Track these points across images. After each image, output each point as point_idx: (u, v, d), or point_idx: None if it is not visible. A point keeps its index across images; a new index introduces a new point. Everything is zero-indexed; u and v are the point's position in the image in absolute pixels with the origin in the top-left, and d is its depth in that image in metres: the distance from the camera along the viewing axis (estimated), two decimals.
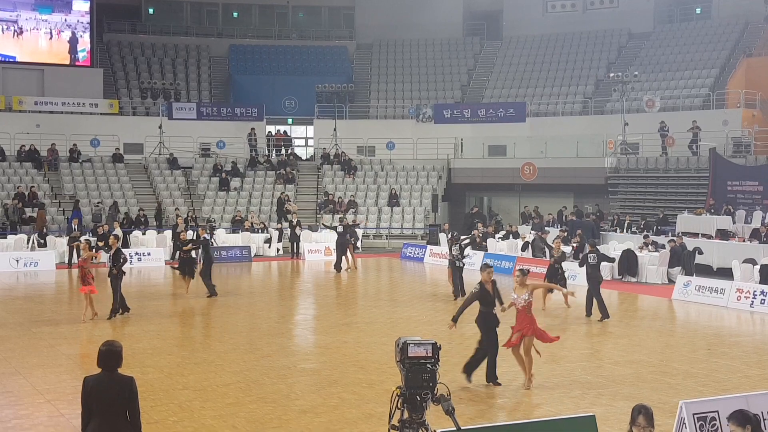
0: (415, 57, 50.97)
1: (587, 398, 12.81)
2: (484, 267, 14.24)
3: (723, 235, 29.07)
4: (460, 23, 51.89)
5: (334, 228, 30.98)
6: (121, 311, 19.75)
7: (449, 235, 25.34)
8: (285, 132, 47.10)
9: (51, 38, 46.49)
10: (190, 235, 27.69)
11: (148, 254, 31.57)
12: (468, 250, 24.69)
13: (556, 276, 21.72)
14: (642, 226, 32.70)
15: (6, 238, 32.15)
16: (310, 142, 48.39)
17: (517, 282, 13.79)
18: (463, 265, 24.08)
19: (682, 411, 9.66)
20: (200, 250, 24.20)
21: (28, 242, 31.97)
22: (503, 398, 12.84)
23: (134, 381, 7.49)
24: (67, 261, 30.42)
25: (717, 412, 9.76)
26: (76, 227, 31.58)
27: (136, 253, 31.38)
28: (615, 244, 30.53)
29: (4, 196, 36.17)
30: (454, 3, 51.24)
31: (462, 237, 25.73)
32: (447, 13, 50.84)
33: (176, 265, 24.76)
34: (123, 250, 20.06)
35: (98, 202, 36.42)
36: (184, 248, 23.96)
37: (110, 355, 7.45)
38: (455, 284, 23.59)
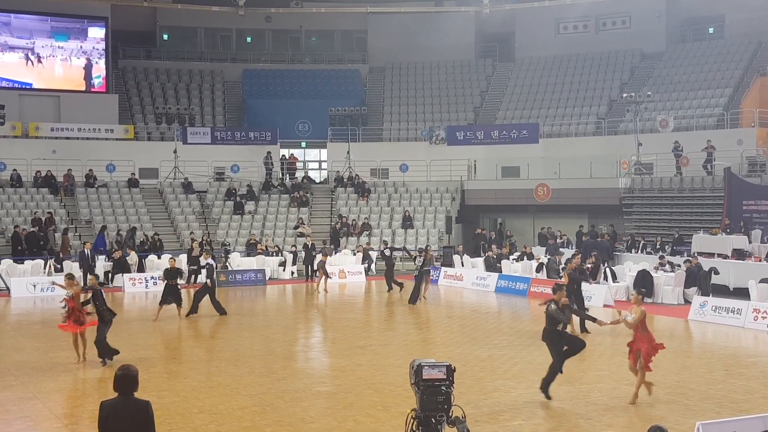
0: (428, 79, 51.16)
1: (604, 420, 12.75)
2: (558, 288, 14.60)
3: (739, 254, 28.93)
4: (472, 45, 52.08)
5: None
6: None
7: (423, 249, 28.75)
8: (292, 154, 47.26)
9: (67, 65, 46.95)
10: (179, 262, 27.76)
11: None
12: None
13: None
14: (657, 247, 32.60)
15: (23, 263, 32.34)
16: (324, 165, 48.54)
17: (633, 300, 14.39)
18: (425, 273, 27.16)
19: None
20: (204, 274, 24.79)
21: (44, 267, 32.15)
22: (519, 420, 12.80)
23: (150, 405, 7.53)
24: (82, 285, 30.52)
25: None
26: (89, 252, 31.65)
27: (152, 277, 31.48)
28: (630, 265, 30.44)
29: (21, 221, 36.41)
30: (466, 25, 51.45)
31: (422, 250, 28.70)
32: (459, 35, 51.06)
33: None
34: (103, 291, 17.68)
35: (119, 231, 36.58)
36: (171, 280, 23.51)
37: (126, 379, 7.50)
38: (418, 290, 26.72)
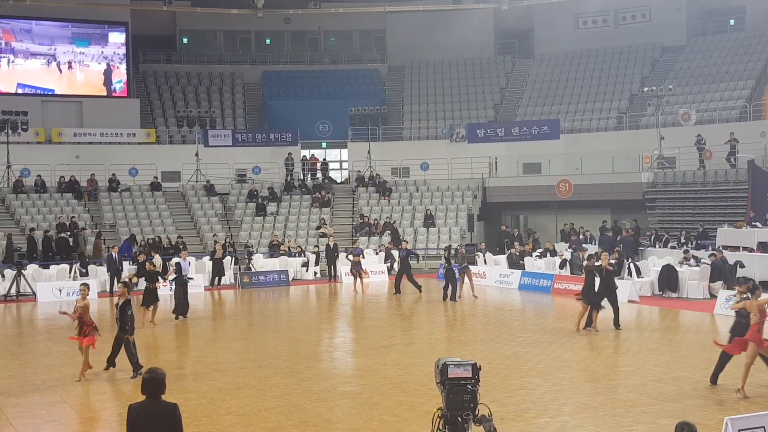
0: (447, 77, 51.11)
1: (631, 416, 12.69)
2: (745, 280, 15.42)
3: (764, 247, 28.69)
4: (491, 42, 52.00)
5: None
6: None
7: (454, 249, 28.89)
8: (313, 155, 47.33)
9: (88, 70, 47.29)
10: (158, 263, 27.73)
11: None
12: None
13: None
14: (682, 241, 32.39)
15: (48, 268, 32.58)
16: (345, 165, 48.63)
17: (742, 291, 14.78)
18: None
19: (727, 427, 9.56)
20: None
21: (70, 272, 32.39)
22: (545, 417, 12.77)
23: (178, 407, 7.58)
24: (108, 289, 30.81)
25: (763, 428, 9.64)
26: (116, 256, 31.87)
27: (172, 280, 31.54)
28: (654, 260, 30.27)
29: (46, 226, 36.69)
30: (485, 22, 51.39)
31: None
32: (478, 32, 51.00)
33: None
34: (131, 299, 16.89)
35: (144, 237, 36.73)
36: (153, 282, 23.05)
37: (154, 382, 7.55)
38: (455, 287, 26.97)
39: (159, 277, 23.99)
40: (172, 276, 25.90)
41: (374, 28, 53.36)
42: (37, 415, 13.54)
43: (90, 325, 16.24)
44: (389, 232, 38.80)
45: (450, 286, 27.10)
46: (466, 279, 28.18)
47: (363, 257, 32.07)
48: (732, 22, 47.71)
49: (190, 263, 26.02)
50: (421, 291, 29.11)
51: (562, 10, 49.61)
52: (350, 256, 31.15)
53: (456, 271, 27.44)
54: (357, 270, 30.47)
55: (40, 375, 16.68)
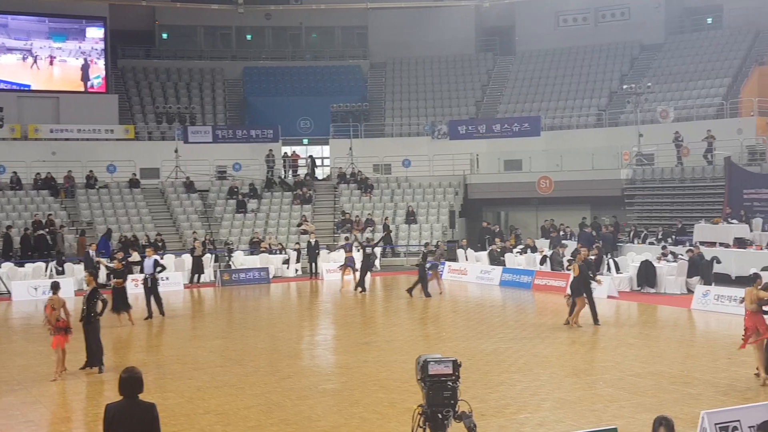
0: (429, 74, 51.12)
1: (609, 411, 12.75)
2: None
3: (740, 243, 28.91)
4: (472, 39, 52.04)
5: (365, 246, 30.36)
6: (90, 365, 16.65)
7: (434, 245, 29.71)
8: (294, 152, 47.13)
9: (65, 66, 46.91)
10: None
11: (167, 279, 31.52)
12: None
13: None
14: (660, 237, 32.59)
15: (24, 266, 32.27)
16: (326, 161, 48.54)
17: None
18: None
19: (703, 421, 9.62)
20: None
21: (46, 270, 32.10)
22: (525, 413, 12.81)
23: (155, 407, 7.53)
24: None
25: (739, 421, 9.72)
26: (94, 253, 31.66)
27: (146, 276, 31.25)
28: (633, 255, 30.43)
29: (22, 224, 36.36)
30: (466, 19, 51.44)
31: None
32: (459, 29, 51.05)
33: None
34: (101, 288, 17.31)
35: (122, 235, 36.45)
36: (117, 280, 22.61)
37: (131, 381, 7.50)
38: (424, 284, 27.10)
39: (125, 275, 23.61)
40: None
41: (356, 24, 53.25)
42: (12, 416, 13.42)
43: (56, 326, 15.96)
44: (371, 228, 38.75)
45: (421, 282, 27.17)
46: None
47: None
48: (709, 20, 47.97)
49: (160, 261, 25.61)
50: (362, 292, 28.91)
51: (543, 8, 49.72)
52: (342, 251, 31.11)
53: (427, 268, 27.58)
54: (350, 265, 30.36)
55: (15, 375, 16.53)
